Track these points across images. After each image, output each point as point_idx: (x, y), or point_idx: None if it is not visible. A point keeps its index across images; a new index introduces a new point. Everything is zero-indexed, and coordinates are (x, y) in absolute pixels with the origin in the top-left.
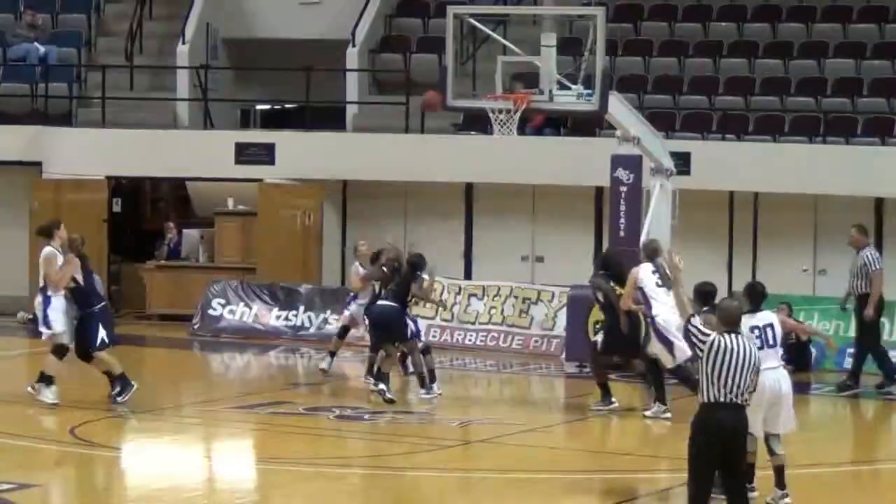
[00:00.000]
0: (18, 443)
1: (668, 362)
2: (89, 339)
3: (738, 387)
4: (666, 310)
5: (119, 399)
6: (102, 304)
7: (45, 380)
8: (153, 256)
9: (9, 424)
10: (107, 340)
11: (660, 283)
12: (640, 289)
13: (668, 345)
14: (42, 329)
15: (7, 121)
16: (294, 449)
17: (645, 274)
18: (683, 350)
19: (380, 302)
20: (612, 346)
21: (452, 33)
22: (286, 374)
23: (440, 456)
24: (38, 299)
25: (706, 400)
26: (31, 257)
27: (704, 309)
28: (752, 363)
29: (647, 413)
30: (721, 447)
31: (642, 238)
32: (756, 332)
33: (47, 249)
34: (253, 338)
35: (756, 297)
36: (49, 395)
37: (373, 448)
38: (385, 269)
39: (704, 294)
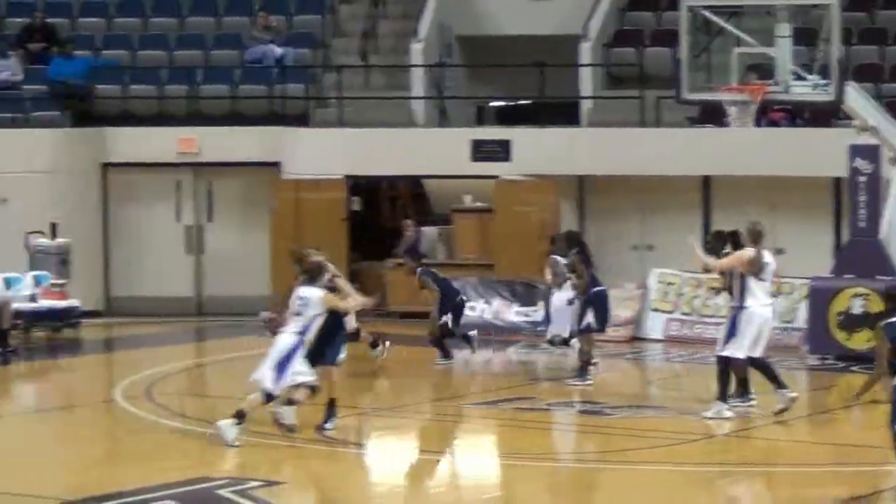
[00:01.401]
0: (266, 441)
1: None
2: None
3: None
4: (756, 304)
5: (327, 426)
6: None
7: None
8: (392, 255)
9: (256, 423)
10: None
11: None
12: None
13: (731, 335)
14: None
15: (245, 122)
16: (537, 444)
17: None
18: (742, 348)
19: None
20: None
21: (686, 26)
22: (527, 369)
23: (682, 450)
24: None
25: None
26: (273, 257)
27: None
28: None
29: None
30: None
31: (882, 228)
32: None
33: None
34: (492, 334)
35: None
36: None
37: (615, 443)
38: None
39: None
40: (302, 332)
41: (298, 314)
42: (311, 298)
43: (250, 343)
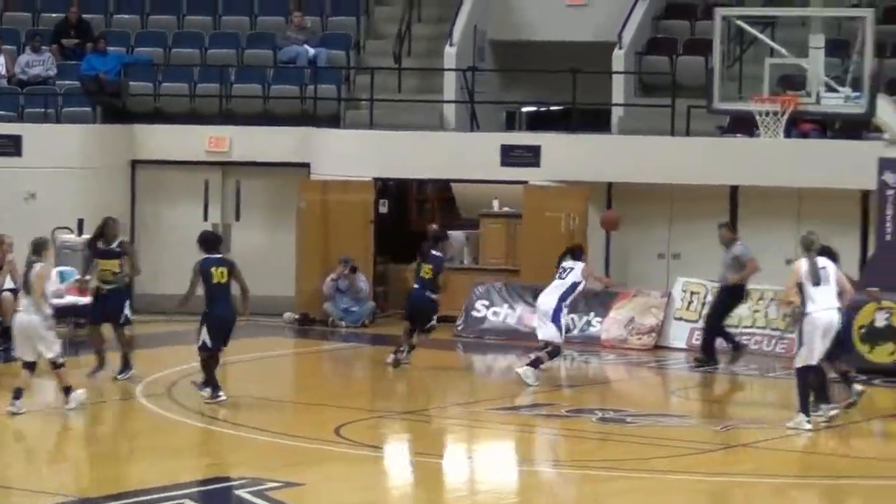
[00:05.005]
0: (285, 442)
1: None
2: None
3: None
4: (817, 308)
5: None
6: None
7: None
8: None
9: (276, 424)
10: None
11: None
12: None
13: (799, 345)
14: None
15: (277, 122)
16: (557, 451)
17: (802, 269)
18: (811, 355)
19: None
20: None
21: (720, 35)
22: (549, 375)
23: (702, 460)
24: None
25: None
26: (300, 258)
27: None
28: None
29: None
30: None
31: None
32: None
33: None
34: (516, 339)
35: None
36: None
37: (635, 451)
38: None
39: None
40: None
41: None
42: None
43: (273, 343)
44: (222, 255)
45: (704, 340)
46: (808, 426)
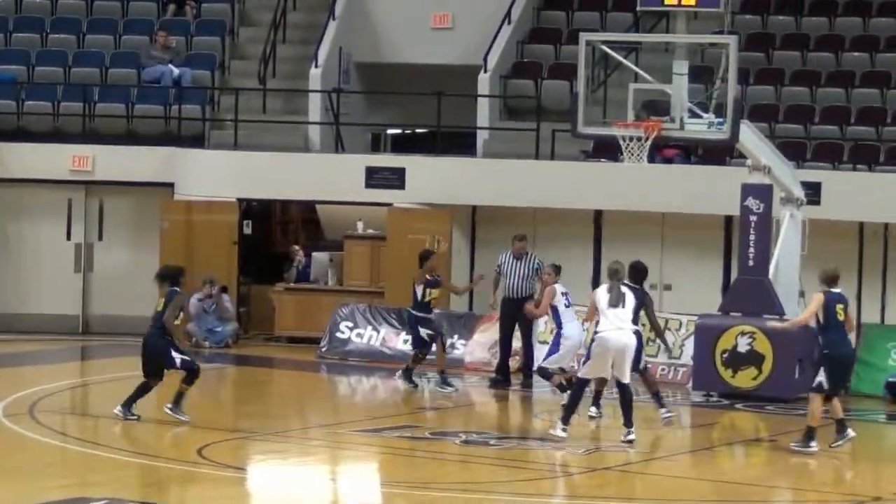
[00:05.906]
0: (146, 462)
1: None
2: None
3: None
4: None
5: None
6: None
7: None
8: (282, 279)
9: (138, 444)
10: None
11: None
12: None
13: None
14: None
15: (140, 142)
16: (419, 473)
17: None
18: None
19: None
20: None
21: (584, 60)
22: (413, 397)
23: (565, 483)
24: None
25: None
26: None
27: None
28: None
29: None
30: None
31: (771, 268)
32: None
33: None
34: (380, 361)
35: None
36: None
37: (498, 474)
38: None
39: None
40: None
41: None
42: None
43: (136, 363)
44: (174, 288)
45: (503, 359)
46: (563, 434)
